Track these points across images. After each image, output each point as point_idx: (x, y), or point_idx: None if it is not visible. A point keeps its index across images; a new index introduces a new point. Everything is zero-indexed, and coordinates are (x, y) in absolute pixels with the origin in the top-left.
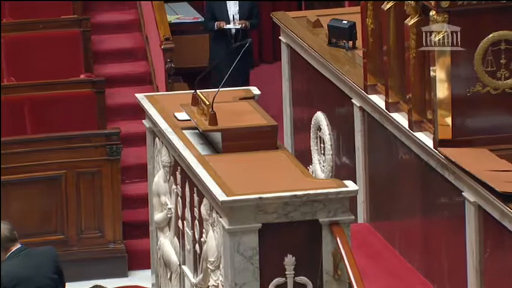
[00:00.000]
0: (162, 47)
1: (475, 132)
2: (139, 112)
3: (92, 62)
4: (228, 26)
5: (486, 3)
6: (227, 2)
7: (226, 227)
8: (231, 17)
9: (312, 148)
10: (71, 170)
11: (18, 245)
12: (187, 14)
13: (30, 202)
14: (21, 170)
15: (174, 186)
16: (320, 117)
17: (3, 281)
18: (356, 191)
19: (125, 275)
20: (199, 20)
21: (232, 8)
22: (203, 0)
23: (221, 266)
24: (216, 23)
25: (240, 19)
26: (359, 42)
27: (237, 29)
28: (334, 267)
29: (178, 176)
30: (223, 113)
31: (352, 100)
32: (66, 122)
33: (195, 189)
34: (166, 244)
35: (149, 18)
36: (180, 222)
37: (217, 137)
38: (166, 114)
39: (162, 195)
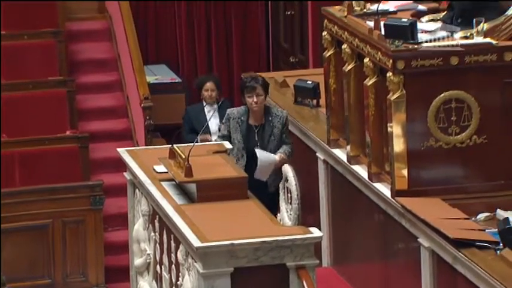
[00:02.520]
0: (142, 105)
1: (429, 183)
2: (120, 165)
3: (77, 119)
4: (214, 138)
5: (438, 66)
6: (206, 113)
7: (201, 271)
8: (213, 129)
9: (280, 198)
10: (57, 219)
11: None
12: (165, 75)
13: (20, 249)
14: (11, 220)
15: (152, 234)
16: (287, 169)
17: None
18: (320, 237)
19: None
20: (176, 80)
21: (213, 119)
22: None
23: None
24: (199, 137)
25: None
26: (322, 101)
27: None
28: None
29: (157, 224)
30: (198, 166)
31: (317, 154)
32: (53, 175)
33: (172, 236)
34: (146, 287)
35: (130, 79)
36: (158, 266)
37: (193, 187)
38: (146, 167)
39: (142, 242)
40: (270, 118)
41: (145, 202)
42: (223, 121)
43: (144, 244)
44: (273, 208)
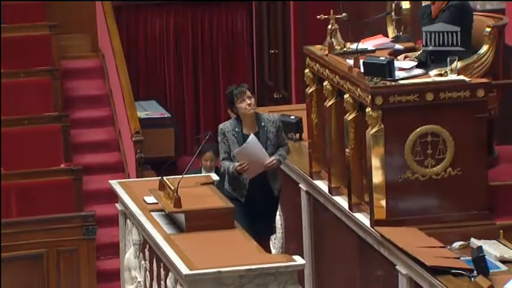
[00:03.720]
0: (133, 139)
1: (407, 214)
2: (112, 197)
3: (71, 152)
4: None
5: (414, 101)
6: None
7: None
8: None
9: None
10: (51, 249)
11: None
12: (155, 111)
13: (16, 277)
14: (8, 249)
15: (143, 262)
16: None
17: None
18: (303, 265)
19: None
20: (166, 115)
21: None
22: None
23: None
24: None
25: None
26: (305, 135)
27: None
28: None
29: (147, 253)
30: (187, 197)
31: (300, 185)
32: (48, 206)
33: (161, 264)
34: None
35: (121, 114)
36: None
37: (182, 217)
38: (137, 198)
39: (133, 269)
40: (263, 124)
41: (136, 232)
42: (219, 140)
43: (135, 272)
44: (275, 211)
